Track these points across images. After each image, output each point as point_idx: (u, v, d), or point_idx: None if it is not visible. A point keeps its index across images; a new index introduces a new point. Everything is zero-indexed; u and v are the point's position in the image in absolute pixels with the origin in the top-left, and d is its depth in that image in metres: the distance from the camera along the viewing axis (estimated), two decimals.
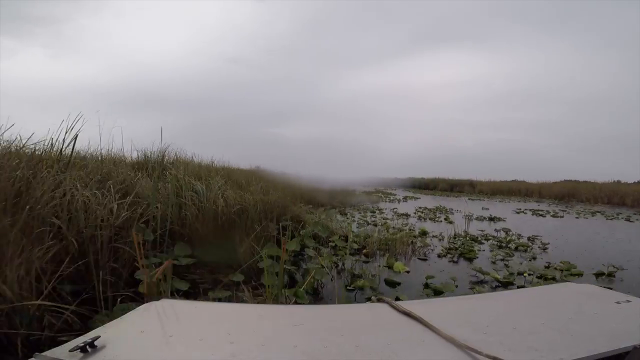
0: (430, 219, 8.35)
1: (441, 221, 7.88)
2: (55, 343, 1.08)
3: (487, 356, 0.70)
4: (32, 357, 0.64)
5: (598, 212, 11.90)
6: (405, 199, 15.77)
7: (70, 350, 0.67)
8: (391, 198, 15.47)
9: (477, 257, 4.27)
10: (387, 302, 1.04)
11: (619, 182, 22.16)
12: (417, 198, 16.81)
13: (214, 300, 2.15)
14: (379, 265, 3.53)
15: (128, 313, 0.93)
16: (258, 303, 1.98)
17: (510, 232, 6.36)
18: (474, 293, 2.81)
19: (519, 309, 1.07)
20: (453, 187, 28.57)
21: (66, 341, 0.73)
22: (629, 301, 1.06)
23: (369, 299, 1.29)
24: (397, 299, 1.36)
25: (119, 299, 1.95)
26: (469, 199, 17.36)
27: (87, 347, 0.68)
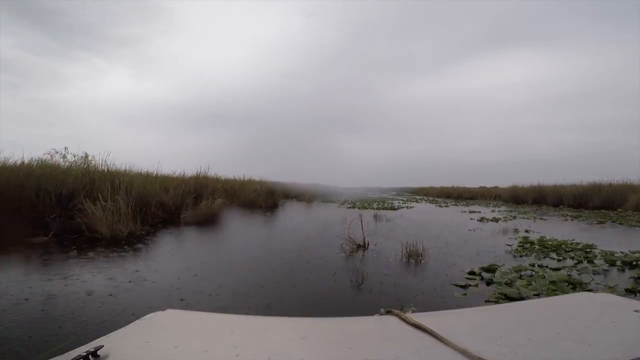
0: None
1: None
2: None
3: None
4: None
5: None
6: None
7: None
8: None
9: None
10: (396, 314, 1.00)
11: None
12: None
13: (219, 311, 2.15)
14: None
15: (132, 322, 0.91)
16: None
17: None
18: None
19: (533, 319, 1.02)
20: (611, 202, 14.51)
21: (68, 350, 0.72)
22: None
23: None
24: (406, 311, 1.08)
25: None
26: None
27: (90, 356, 0.67)
